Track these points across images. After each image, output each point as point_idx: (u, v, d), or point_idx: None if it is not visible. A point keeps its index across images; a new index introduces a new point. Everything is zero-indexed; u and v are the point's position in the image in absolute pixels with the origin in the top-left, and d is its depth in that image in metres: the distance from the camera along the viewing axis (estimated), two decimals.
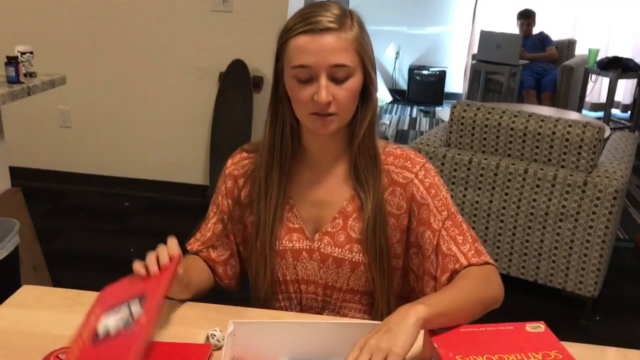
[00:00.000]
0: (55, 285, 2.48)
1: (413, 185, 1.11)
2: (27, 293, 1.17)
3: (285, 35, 1.04)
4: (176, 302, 1.15)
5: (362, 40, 1.04)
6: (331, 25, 1.00)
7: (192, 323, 1.08)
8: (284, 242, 1.15)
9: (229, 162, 1.23)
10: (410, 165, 1.13)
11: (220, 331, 1.01)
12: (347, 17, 1.03)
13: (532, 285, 2.62)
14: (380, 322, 1.11)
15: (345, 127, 1.09)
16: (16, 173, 2.62)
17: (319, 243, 1.14)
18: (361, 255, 1.12)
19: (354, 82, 1.03)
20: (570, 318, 2.57)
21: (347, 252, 1.13)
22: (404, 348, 0.83)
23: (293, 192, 1.16)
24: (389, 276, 1.13)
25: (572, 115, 4.29)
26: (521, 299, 2.65)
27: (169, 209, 3.51)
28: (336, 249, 1.13)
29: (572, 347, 0.96)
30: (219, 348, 0.99)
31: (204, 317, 1.10)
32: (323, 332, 0.96)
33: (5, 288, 1.85)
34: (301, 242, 1.15)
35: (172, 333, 1.05)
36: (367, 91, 1.07)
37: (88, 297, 1.15)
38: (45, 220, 3.17)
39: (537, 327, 0.97)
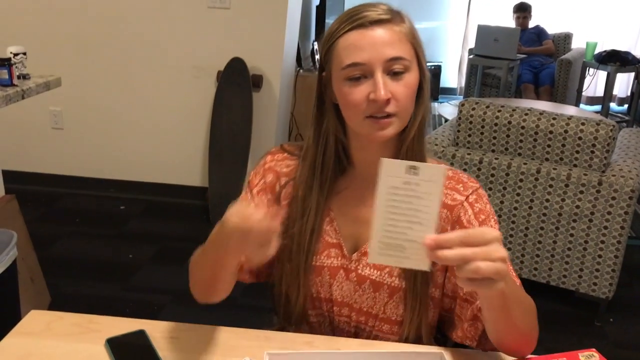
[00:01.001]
0: (52, 295, 2.39)
1: (462, 208, 1.03)
2: (35, 319, 1.08)
3: (331, 39, 0.95)
4: (195, 327, 1.06)
5: (416, 34, 0.97)
6: (382, 17, 0.93)
7: (216, 351, 1.00)
8: (322, 257, 1.07)
9: (269, 157, 1.12)
10: (462, 189, 1.05)
11: None
12: (397, 12, 0.96)
13: (545, 287, 2.56)
14: (427, 346, 1.04)
15: (397, 135, 0.99)
16: (6, 177, 2.52)
17: (357, 263, 1.06)
18: (401, 280, 1.04)
19: (412, 77, 0.95)
20: (584, 320, 2.52)
21: (386, 275, 1.05)
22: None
23: (334, 205, 1.07)
24: (424, 305, 1.04)
25: (571, 110, 4.24)
26: (534, 301, 2.59)
27: (166, 212, 3.41)
28: (375, 271, 1.05)
29: None
30: None
31: (228, 344, 1.02)
32: None
33: (4, 304, 1.76)
34: (339, 259, 1.07)
35: None
36: (420, 89, 0.99)
37: (101, 323, 1.07)
38: (39, 225, 3.06)
39: (592, 357, 0.91)
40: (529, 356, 0.94)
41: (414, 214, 0.75)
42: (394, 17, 0.95)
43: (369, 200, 1.05)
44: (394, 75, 0.93)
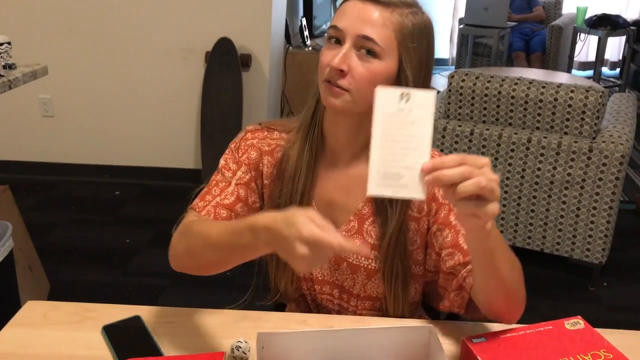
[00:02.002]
0: (51, 283, 2.41)
1: None
2: (31, 310, 1.09)
3: (341, 4, 0.99)
4: (190, 311, 1.08)
5: (408, 34, 0.94)
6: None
7: (211, 334, 1.02)
8: None
9: (249, 135, 1.11)
10: None
11: (246, 342, 0.95)
12: (408, 7, 0.95)
13: (539, 255, 2.59)
14: (417, 320, 1.06)
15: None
16: None
17: None
18: (378, 262, 1.05)
19: (381, 66, 0.94)
20: (578, 286, 2.55)
21: (362, 259, 1.06)
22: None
23: (311, 184, 1.08)
24: (405, 284, 1.05)
25: (562, 77, 4.23)
26: (528, 269, 2.58)
27: (161, 195, 3.42)
28: (351, 254, 1.06)
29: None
30: None
31: (222, 325, 1.04)
32: (355, 340, 0.91)
33: (3, 295, 1.77)
34: None
35: (190, 345, 0.99)
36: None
37: (96, 310, 1.08)
38: (35, 214, 3.07)
39: (577, 324, 0.94)
40: (518, 325, 0.96)
41: (409, 139, 0.77)
42: (398, 7, 0.94)
43: (341, 180, 1.06)
44: (366, 54, 0.94)
